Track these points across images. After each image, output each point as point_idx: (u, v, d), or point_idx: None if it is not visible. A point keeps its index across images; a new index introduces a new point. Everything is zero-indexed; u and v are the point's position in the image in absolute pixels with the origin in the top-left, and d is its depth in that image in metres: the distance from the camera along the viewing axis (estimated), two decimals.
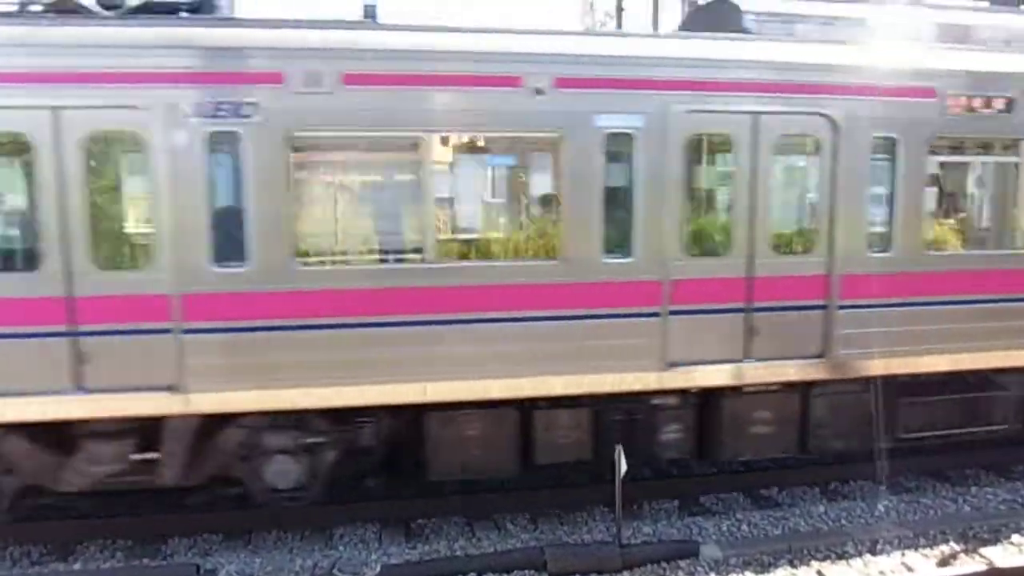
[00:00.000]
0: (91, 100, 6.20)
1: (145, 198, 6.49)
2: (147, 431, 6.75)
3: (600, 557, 6.61)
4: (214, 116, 6.32)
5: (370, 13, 7.18)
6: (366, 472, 7.78)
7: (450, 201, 7.46)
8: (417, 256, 6.88)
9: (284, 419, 6.93)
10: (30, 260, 6.35)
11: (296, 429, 7.03)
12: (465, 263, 7.05)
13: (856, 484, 8.55)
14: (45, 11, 6.54)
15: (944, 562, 6.78)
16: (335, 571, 6.57)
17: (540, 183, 7.55)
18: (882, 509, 7.83)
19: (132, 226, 6.73)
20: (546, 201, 7.44)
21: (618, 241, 7.10)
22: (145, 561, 6.96)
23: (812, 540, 7.11)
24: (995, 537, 7.21)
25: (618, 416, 7.46)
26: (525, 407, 7.29)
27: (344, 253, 7.11)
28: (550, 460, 7.45)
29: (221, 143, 6.39)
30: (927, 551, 6.96)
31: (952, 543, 7.08)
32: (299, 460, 7.09)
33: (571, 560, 6.60)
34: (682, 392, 7.58)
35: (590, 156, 6.94)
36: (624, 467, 6.65)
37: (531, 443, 7.35)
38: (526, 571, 6.56)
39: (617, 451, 6.64)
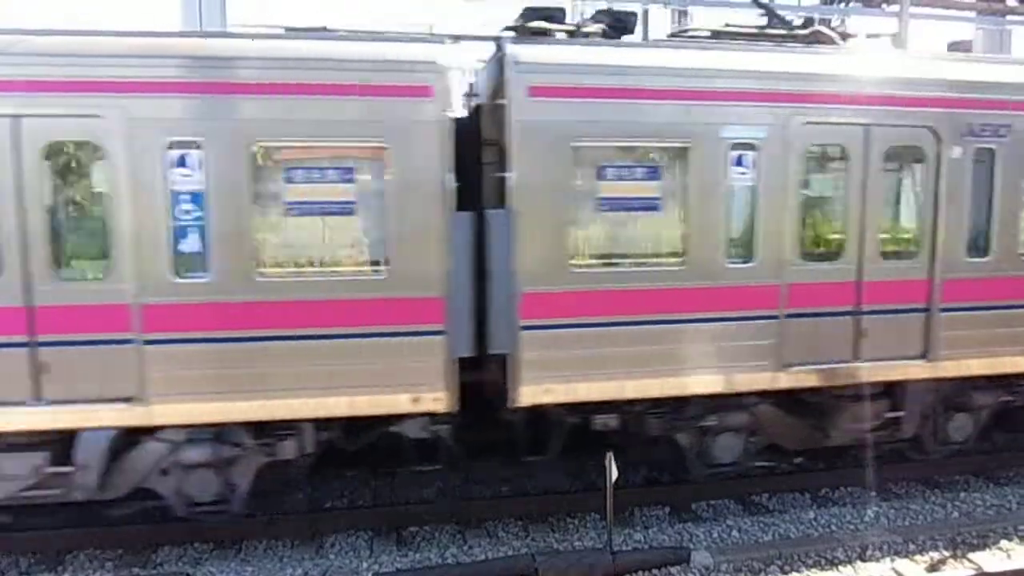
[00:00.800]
0: (895, 121, 7.54)
1: (924, 201, 7.87)
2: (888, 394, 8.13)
3: (591, 564, 6.61)
4: (978, 136, 7.79)
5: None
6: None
7: None
8: None
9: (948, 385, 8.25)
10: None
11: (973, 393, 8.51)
12: None
13: (846, 490, 8.60)
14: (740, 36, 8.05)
15: (933, 567, 6.82)
16: None
17: None
18: (872, 515, 7.88)
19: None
20: None
21: None
22: (135, 571, 6.91)
23: (802, 546, 7.13)
24: (983, 542, 7.25)
25: None
26: None
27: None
28: None
29: (981, 158, 7.84)
30: (917, 557, 6.99)
31: (941, 549, 7.13)
32: (959, 418, 8.61)
33: (562, 567, 6.59)
34: None
35: None
36: (615, 473, 6.67)
37: None
38: None
39: (608, 457, 6.66)
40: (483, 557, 7.01)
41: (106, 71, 6.22)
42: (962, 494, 8.43)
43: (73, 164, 6.56)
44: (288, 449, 7.04)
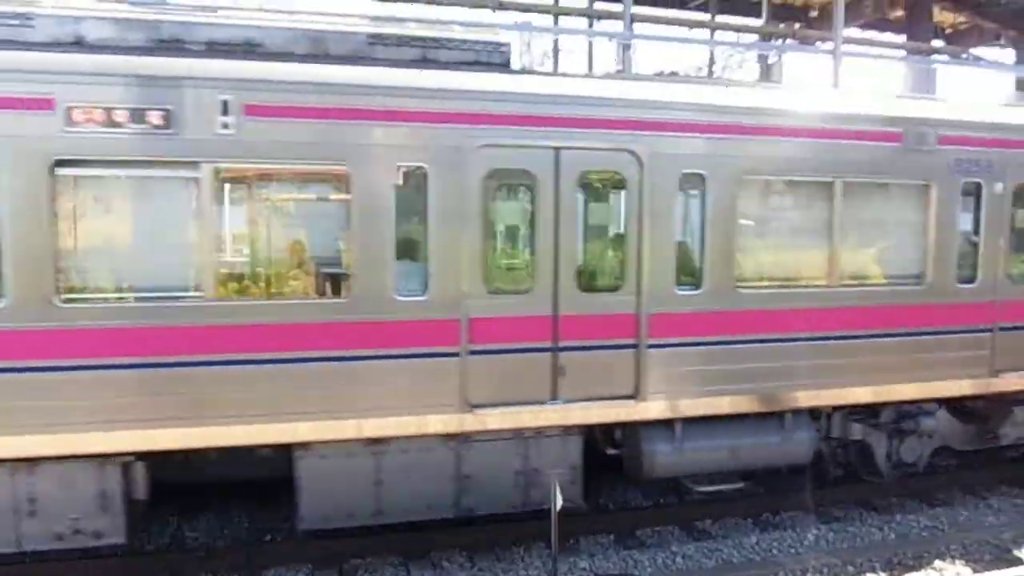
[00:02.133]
0: None
1: None
2: None
3: None
4: None
5: None
6: None
7: None
8: None
9: None
10: None
11: None
12: None
13: (787, 514, 8.71)
14: None
15: None
16: None
17: None
18: (812, 538, 8.00)
19: None
20: None
21: None
22: None
23: (745, 571, 7.22)
24: (918, 563, 7.44)
25: None
26: None
27: None
28: None
29: None
30: None
31: (878, 570, 7.28)
32: None
33: None
34: None
35: None
36: (560, 501, 6.64)
37: None
38: None
39: (553, 485, 6.63)
40: None
41: None
42: (898, 516, 8.63)
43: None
44: None
